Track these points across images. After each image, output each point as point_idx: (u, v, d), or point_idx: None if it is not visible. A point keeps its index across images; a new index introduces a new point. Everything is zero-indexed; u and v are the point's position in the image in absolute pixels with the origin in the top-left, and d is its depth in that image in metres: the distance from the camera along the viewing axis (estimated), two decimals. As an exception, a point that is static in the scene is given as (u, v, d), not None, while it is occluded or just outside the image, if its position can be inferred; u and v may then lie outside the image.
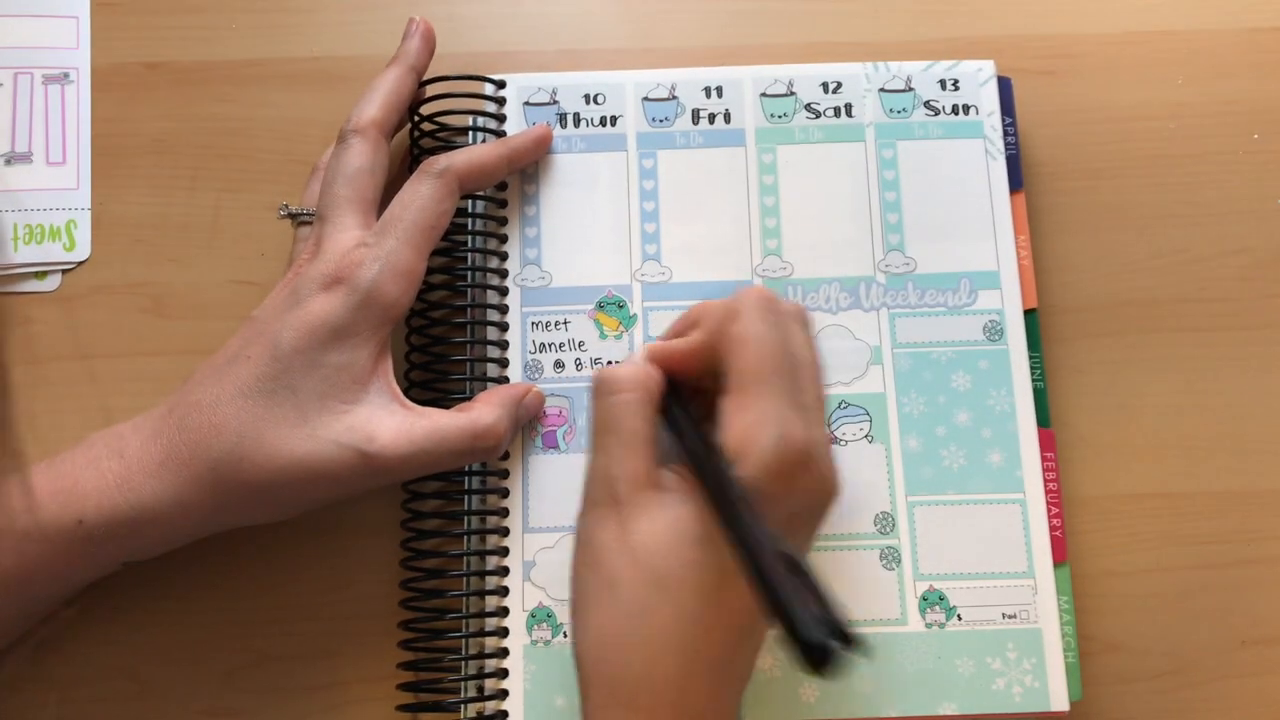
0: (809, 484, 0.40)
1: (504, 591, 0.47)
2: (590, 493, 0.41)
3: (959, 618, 0.46)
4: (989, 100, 0.52)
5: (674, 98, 0.52)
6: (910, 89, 0.52)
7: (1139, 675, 0.48)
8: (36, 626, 0.46)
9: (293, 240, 0.51)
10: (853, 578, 0.47)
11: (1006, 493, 0.48)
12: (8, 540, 0.42)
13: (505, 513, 0.47)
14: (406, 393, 0.48)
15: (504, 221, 0.51)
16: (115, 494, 0.42)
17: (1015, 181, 0.51)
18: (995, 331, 0.50)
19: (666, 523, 0.39)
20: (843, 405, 0.49)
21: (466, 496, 0.48)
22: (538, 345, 0.49)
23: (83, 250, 0.53)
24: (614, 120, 0.52)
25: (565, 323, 0.50)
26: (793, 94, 0.52)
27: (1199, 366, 0.52)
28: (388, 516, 0.49)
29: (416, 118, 0.51)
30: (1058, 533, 0.48)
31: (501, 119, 0.52)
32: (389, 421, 0.44)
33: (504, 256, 0.50)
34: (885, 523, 0.48)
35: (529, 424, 0.48)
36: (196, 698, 0.48)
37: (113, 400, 0.51)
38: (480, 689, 0.46)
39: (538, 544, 0.47)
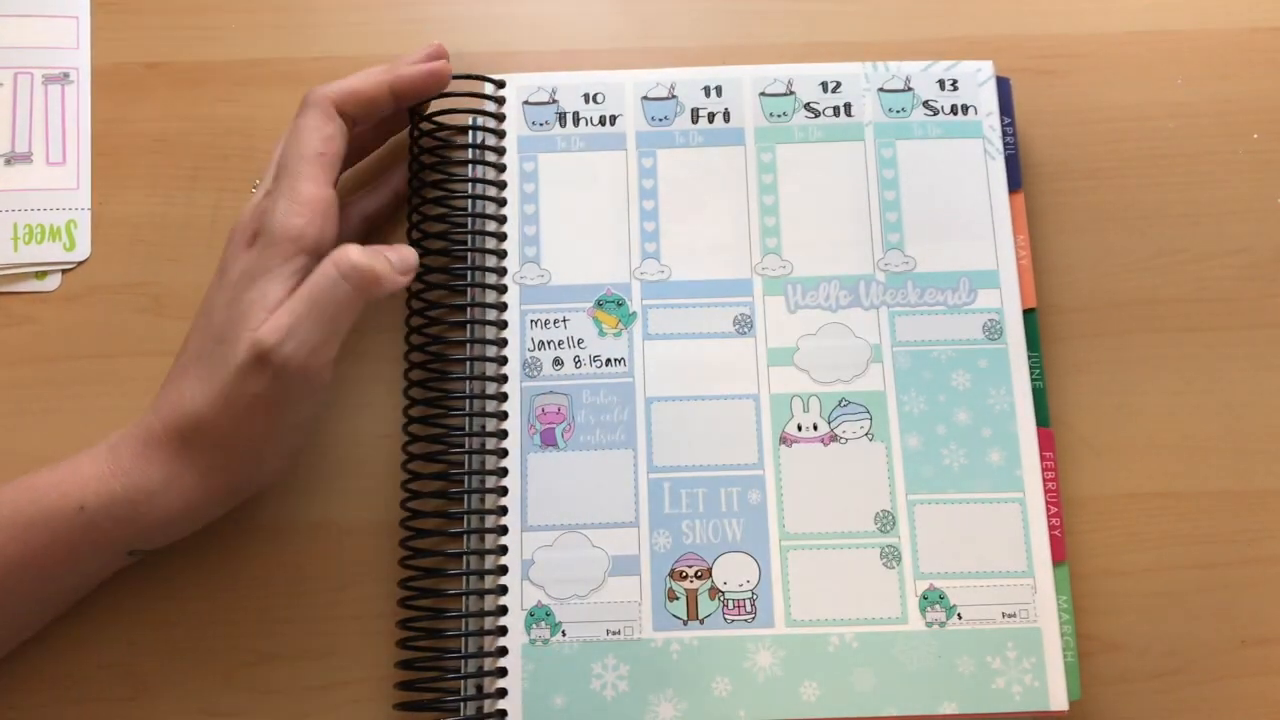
0: None
1: (502, 590, 0.47)
2: None
3: (959, 617, 0.46)
4: (988, 100, 0.52)
5: (673, 97, 0.52)
6: (909, 89, 0.52)
7: (1139, 675, 0.48)
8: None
9: None
10: (853, 576, 0.47)
11: (1006, 492, 0.48)
12: (14, 530, 0.43)
13: (504, 511, 0.47)
14: (406, 391, 0.49)
15: (503, 220, 0.51)
16: (110, 480, 0.44)
17: (1014, 181, 0.51)
18: (995, 331, 0.50)
19: None
20: (843, 403, 0.49)
21: (466, 496, 0.48)
22: (536, 343, 0.49)
23: (83, 250, 0.53)
24: (613, 119, 0.52)
25: (564, 320, 0.50)
26: (792, 93, 0.52)
27: (1199, 366, 0.52)
28: (388, 516, 0.49)
29: (416, 118, 0.51)
30: (1057, 532, 0.47)
31: (501, 118, 0.52)
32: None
33: (503, 254, 0.50)
34: (885, 521, 0.47)
35: (529, 422, 0.48)
36: (196, 698, 0.48)
37: (113, 400, 0.51)
38: (479, 688, 0.46)
39: (536, 542, 0.47)
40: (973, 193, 0.51)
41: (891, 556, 0.47)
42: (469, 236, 0.50)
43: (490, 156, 0.52)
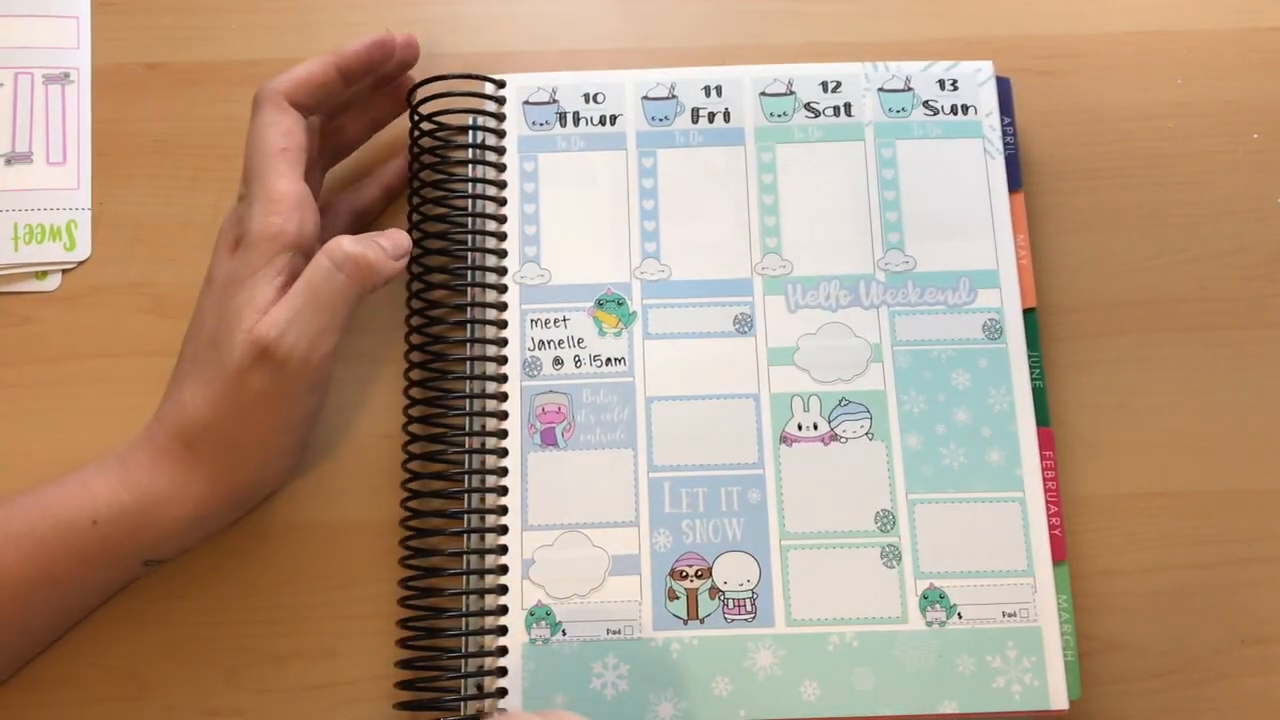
0: None
1: (503, 590, 0.47)
2: None
3: (959, 616, 0.46)
4: (988, 100, 0.52)
5: (673, 97, 0.52)
6: (909, 89, 0.53)
7: (1139, 674, 0.48)
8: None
9: None
10: (853, 575, 0.47)
11: (1006, 491, 0.48)
12: (28, 547, 0.43)
13: (504, 511, 0.47)
14: (406, 391, 0.49)
15: (503, 219, 0.51)
16: (121, 491, 0.44)
17: (1014, 181, 0.52)
18: (995, 330, 0.50)
19: None
20: (843, 402, 0.49)
21: (466, 495, 0.48)
22: (536, 342, 0.49)
23: (83, 250, 0.53)
24: (614, 119, 0.52)
25: (564, 320, 0.50)
26: (792, 93, 0.52)
27: (1199, 366, 0.52)
28: (388, 516, 0.48)
29: (416, 117, 0.51)
30: (1057, 531, 0.47)
31: (502, 118, 0.52)
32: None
33: (503, 254, 0.50)
34: (886, 520, 0.47)
35: (529, 422, 0.48)
36: (196, 698, 0.47)
37: (113, 400, 0.51)
38: (479, 687, 0.46)
39: (537, 541, 0.47)
40: (973, 193, 0.51)
41: (892, 556, 0.47)
42: (469, 236, 0.50)
43: (490, 156, 0.52)
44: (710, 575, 0.47)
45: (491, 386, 0.49)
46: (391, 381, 0.50)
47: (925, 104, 0.52)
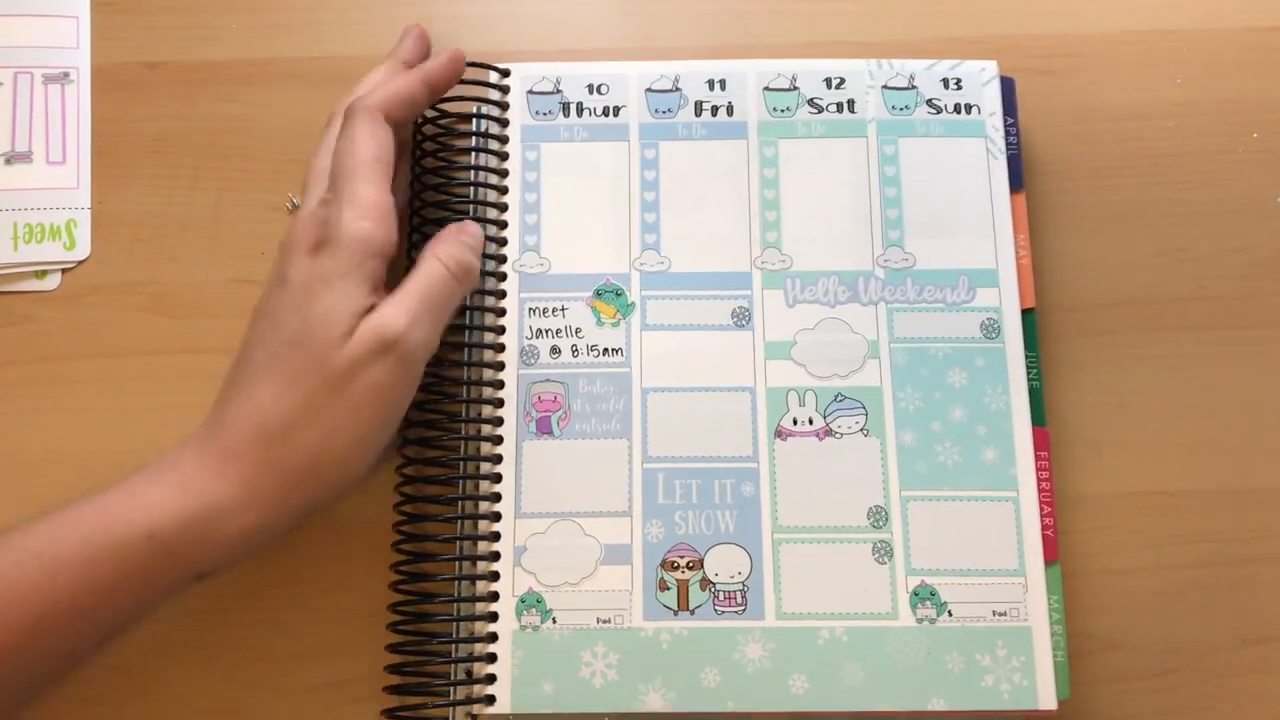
0: None
1: (494, 577, 0.47)
2: None
3: (949, 614, 0.46)
4: (991, 100, 0.52)
5: (677, 89, 0.52)
6: (913, 87, 0.53)
7: (1139, 674, 0.48)
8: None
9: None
10: (844, 571, 0.47)
11: (1000, 490, 0.48)
12: (79, 564, 0.41)
13: (498, 498, 0.47)
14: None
15: (504, 208, 0.51)
16: (181, 496, 0.42)
17: (1016, 181, 0.52)
18: (993, 329, 0.50)
19: None
20: (839, 398, 0.49)
21: (461, 482, 0.48)
22: (534, 331, 0.49)
23: (83, 249, 0.53)
24: (617, 110, 0.52)
25: (563, 309, 0.50)
26: (796, 88, 0.53)
27: (1199, 365, 0.52)
28: (388, 515, 0.48)
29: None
30: (1049, 531, 0.48)
31: (505, 107, 0.52)
32: None
33: (503, 242, 0.50)
34: (878, 517, 0.48)
35: (525, 410, 0.48)
36: (196, 697, 0.48)
37: (113, 400, 0.51)
38: (469, 673, 0.46)
39: (529, 529, 0.47)
40: (974, 192, 0.51)
41: (883, 552, 0.47)
42: (470, 224, 0.50)
43: (493, 145, 0.52)
44: (701, 567, 0.47)
45: (488, 374, 0.49)
46: (389, 367, 0.50)
47: (928, 102, 0.52)
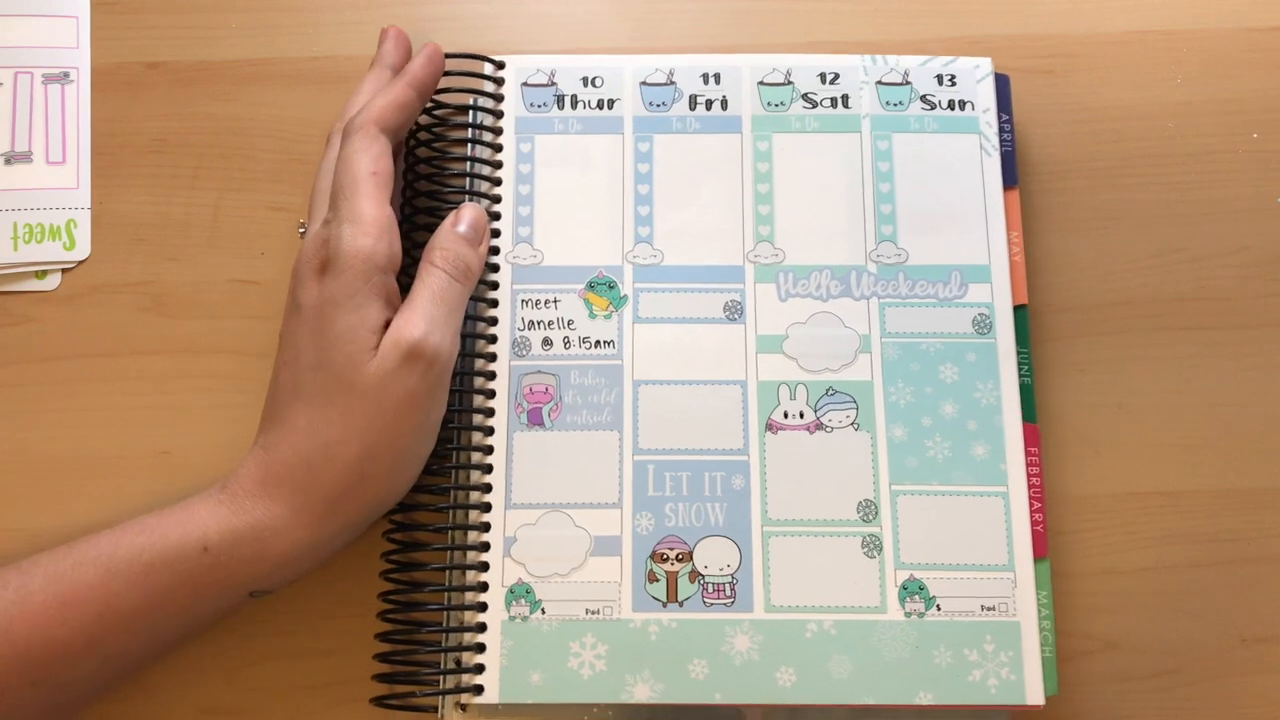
0: None
1: (484, 567, 0.47)
2: None
3: (938, 608, 0.46)
4: (985, 96, 0.52)
5: (672, 83, 0.53)
6: (907, 82, 0.53)
7: (1139, 674, 0.48)
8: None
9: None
10: (833, 564, 0.47)
11: (989, 485, 0.48)
12: (134, 574, 0.42)
13: (488, 489, 0.48)
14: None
15: (497, 199, 0.51)
16: (231, 516, 0.43)
17: (1010, 178, 0.52)
18: (984, 325, 0.50)
19: None
20: (830, 392, 0.49)
21: (453, 472, 0.48)
22: (526, 323, 0.50)
23: (83, 250, 0.53)
24: (611, 103, 0.52)
25: (555, 301, 0.50)
26: (790, 83, 0.53)
27: (1198, 365, 0.52)
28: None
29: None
30: (1039, 527, 0.47)
31: (500, 99, 0.52)
32: None
33: (496, 233, 0.51)
34: (868, 510, 0.48)
35: (516, 401, 0.48)
36: (196, 697, 0.48)
37: (113, 400, 0.51)
38: (458, 662, 0.46)
39: (519, 520, 0.47)
40: (967, 188, 0.51)
41: (873, 546, 0.47)
42: (463, 215, 0.50)
43: (487, 136, 0.52)
44: (691, 559, 0.47)
45: (480, 365, 0.49)
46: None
47: (923, 98, 0.52)
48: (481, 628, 0.46)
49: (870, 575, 0.47)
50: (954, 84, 0.52)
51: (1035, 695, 0.46)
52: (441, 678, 0.46)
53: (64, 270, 0.53)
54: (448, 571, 0.47)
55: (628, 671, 0.46)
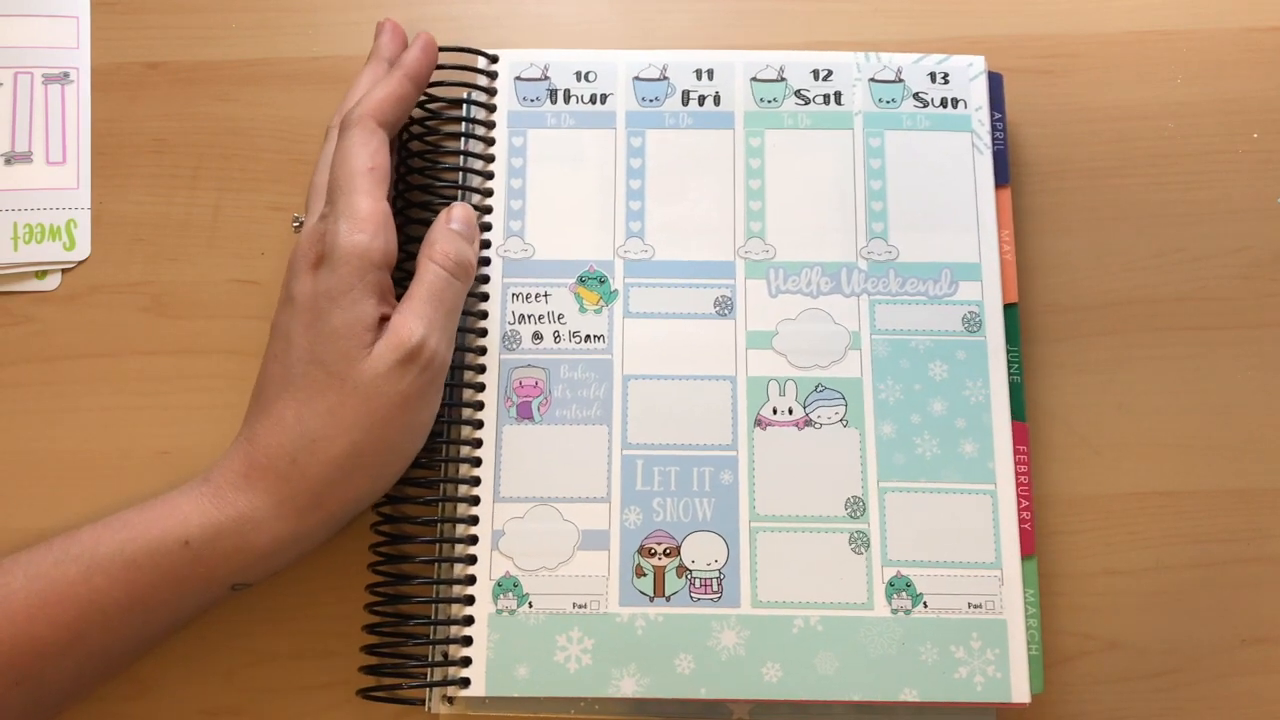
0: None
1: (472, 560, 0.47)
2: None
3: (925, 605, 0.46)
4: (978, 95, 0.52)
5: (665, 78, 0.53)
6: (900, 80, 0.53)
7: (1138, 674, 0.48)
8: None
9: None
10: (821, 560, 0.47)
11: (978, 483, 0.48)
12: (116, 569, 0.42)
13: (477, 482, 0.48)
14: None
15: (489, 193, 0.51)
16: (213, 509, 0.43)
17: (1002, 176, 0.51)
18: (974, 323, 0.50)
19: None
20: (819, 388, 0.49)
21: (442, 465, 0.48)
22: (517, 316, 0.50)
23: (83, 250, 0.53)
24: (604, 98, 0.52)
25: (546, 295, 0.50)
26: (783, 80, 0.53)
27: (1198, 365, 0.52)
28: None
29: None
30: (1027, 525, 0.47)
31: (492, 93, 0.52)
32: None
33: (487, 227, 0.51)
34: (856, 507, 0.48)
35: (506, 395, 0.49)
36: (196, 698, 0.48)
37: (113, 400, 0.51)
38: (445, 655, 0.46)
39: (508, 514, 0.47)
40: (959, 186, 0.51)
41: (860, 542, 0.47)
42: (455, 208, 0.50)
43: (480, 130, 0.52)
44: (678, 554, 0.47)
45: (470, 358, 0.49)
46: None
47: (915, 96, 0.52)
48: (469, 620, 0.46)
49: (857, 572, 0.47)
50: (946, 82, 0.52)
51: (1021, 693, 0.45)
52: (429, 670, 0.46)
53: (64, 270, 0.53)
54: (436, 564, 0.47)
55: (614, 665, 0.46)
